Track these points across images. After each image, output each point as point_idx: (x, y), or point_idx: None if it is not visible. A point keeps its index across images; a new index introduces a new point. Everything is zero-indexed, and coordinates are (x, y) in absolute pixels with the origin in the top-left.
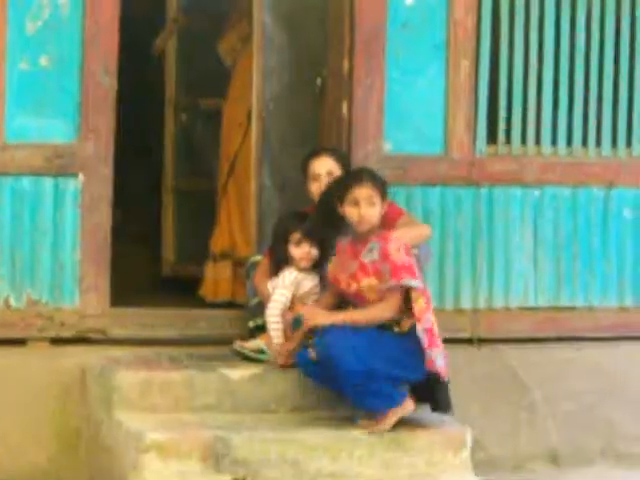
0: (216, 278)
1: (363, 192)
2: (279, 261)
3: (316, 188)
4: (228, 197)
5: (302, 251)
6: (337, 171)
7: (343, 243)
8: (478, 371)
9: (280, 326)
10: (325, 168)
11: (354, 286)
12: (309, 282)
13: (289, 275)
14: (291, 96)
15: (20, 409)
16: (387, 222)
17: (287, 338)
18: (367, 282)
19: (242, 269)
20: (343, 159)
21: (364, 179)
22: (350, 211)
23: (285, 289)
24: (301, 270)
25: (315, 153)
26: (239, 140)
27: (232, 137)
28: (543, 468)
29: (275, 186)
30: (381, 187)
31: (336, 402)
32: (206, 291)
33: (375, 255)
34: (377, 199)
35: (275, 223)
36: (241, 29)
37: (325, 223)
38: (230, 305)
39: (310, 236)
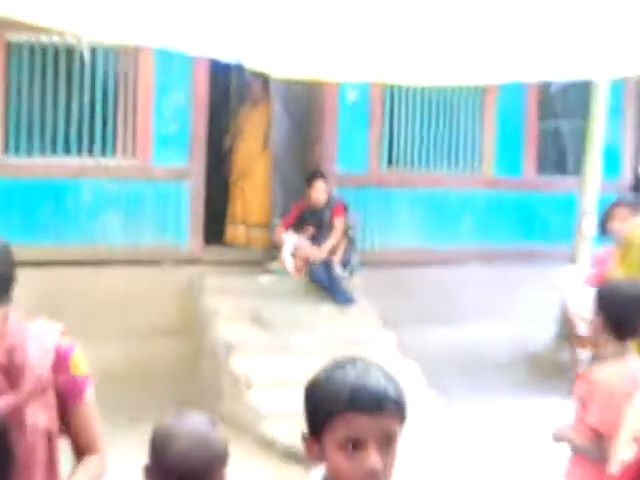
0: (246, 235)
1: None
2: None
3: (315, 198)
4: (243, 192)
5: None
6: (325, 189)
7: None
8: None
9: (291, 258)
10: (321, 190)
11: None
12: (299, 242)
13: (290, 239)
14: (289, 140)
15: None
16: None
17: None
18: None
19: (255, 230)
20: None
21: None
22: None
23: (291, 242)
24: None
25: (314, 179)
26: (256, 162)
27: (249, 160)
28: None
29: (282, 187)
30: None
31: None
32: (236, 239)
33: None
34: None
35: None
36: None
37: None
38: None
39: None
